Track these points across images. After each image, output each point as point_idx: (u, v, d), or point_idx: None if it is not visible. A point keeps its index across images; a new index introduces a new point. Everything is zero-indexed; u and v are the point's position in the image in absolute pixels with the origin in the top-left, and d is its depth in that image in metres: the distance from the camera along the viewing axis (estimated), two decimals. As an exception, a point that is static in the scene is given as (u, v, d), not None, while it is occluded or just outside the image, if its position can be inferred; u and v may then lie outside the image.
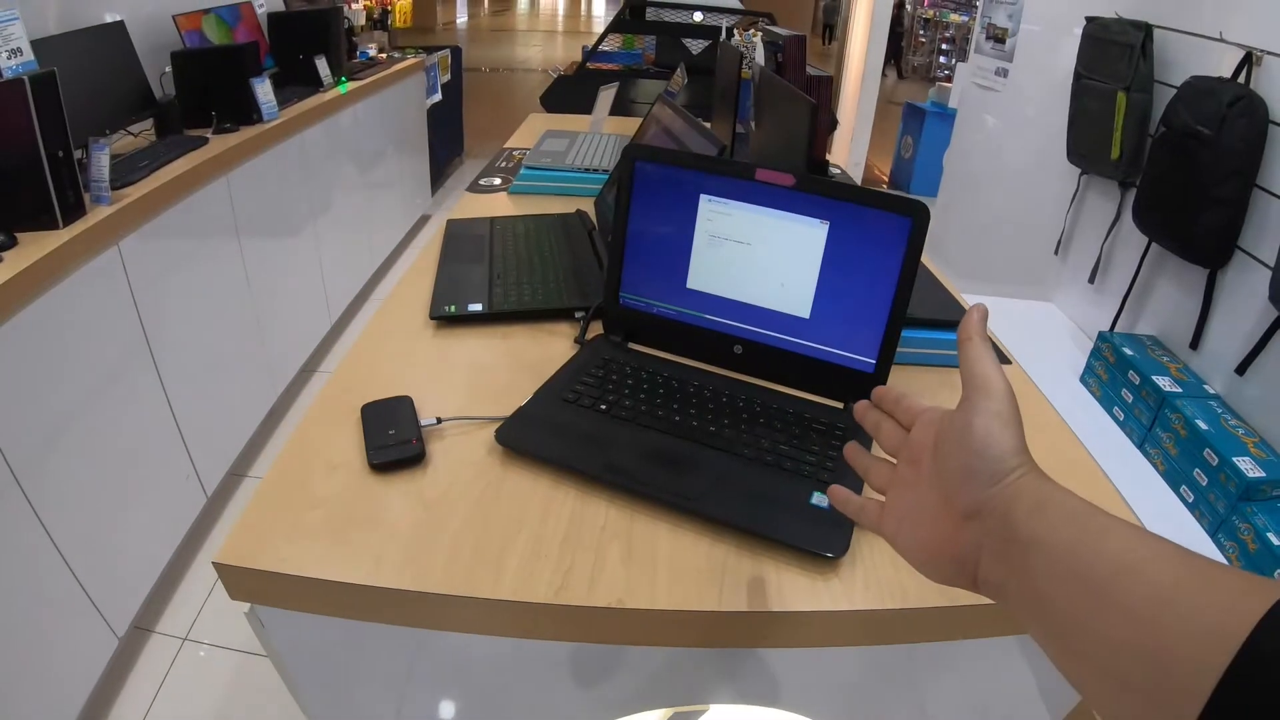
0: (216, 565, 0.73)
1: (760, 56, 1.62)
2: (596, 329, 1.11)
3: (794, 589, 0.74)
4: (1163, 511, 1.72)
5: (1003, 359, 1.22)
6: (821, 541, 0.77)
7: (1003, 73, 3.11)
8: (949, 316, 1.18)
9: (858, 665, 0.89)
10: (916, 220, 0.89)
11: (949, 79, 6.40)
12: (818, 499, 0.81)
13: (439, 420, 0.91)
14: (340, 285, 3.30)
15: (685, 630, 0.74)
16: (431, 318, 1.15)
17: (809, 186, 0.92)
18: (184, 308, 2.08)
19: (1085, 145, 2.39)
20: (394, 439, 0.87)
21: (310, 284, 3.01)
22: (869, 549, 0.80)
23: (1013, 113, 3.09)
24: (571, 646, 0.82)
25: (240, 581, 0.74)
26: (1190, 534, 1.66)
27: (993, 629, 0.79)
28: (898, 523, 0.53)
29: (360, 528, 0.77)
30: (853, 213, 0.91)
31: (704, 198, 0.96)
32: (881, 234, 0.90)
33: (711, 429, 0.90)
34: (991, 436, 0.47)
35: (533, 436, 0.88)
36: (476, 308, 1.15)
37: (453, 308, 1.15)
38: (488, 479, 0.84)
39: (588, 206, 1.57)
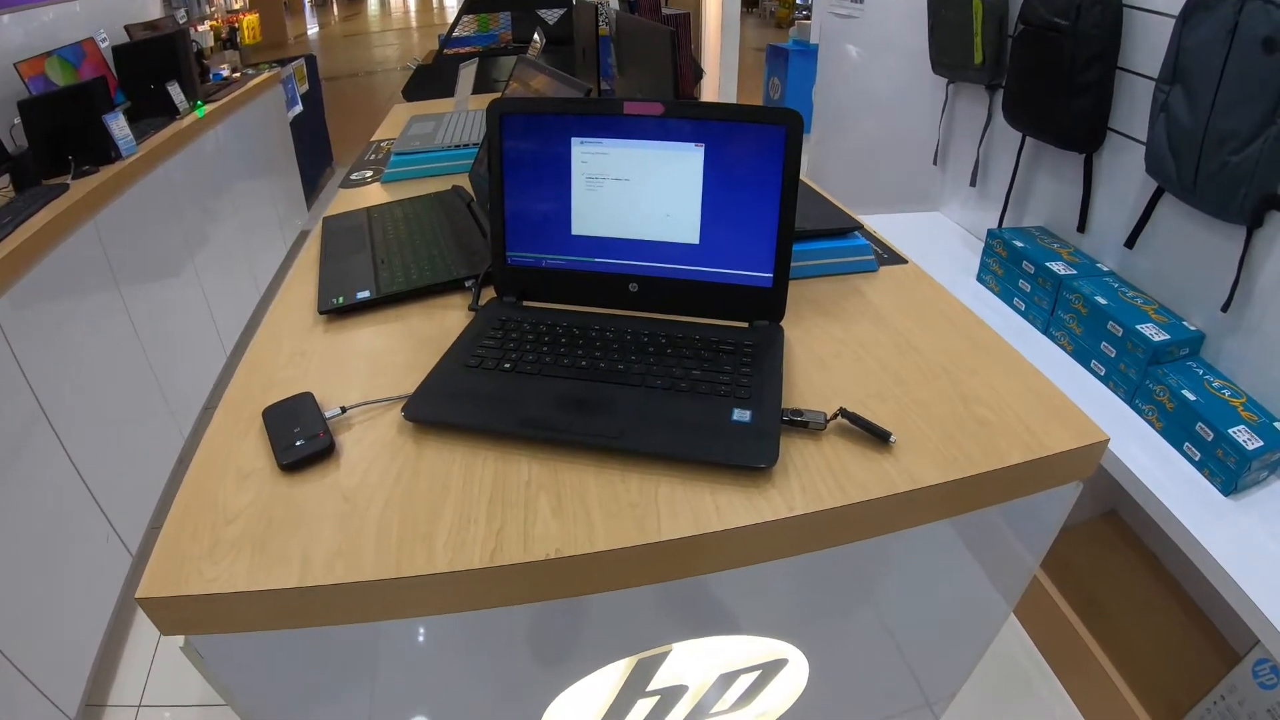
0: (140, 600, 0.69)
1: (614, 2, 1.61)
2: (489, 294, 1.09)
3: (732, 507, 0.74)
4: (1078, 388, 1.77)
5: (898, 259, 1.23)
6: (751, 454, 0.76)
7: (858, -1, 3.15)
8: (840, 225, 1.19)
9: (810, 577, 0.89)
10: (790, 128, 0.89)
11: (807, 18, 6.48)
12: (739, 415, 0.80)
13: (343, 410, 0.88)
14: (229, 317, 3.19)
15: (630, 568, 0.73)
16: (321, 312, 1.10)
17: (678, 111, 0.92)
18: (74, 366, 1.98)
19: (948, 55, 2.43)
20: (300, 436, 0.83)
21: (199, 321, 2.90)
22: (799, 455, 0.80)
23: (873, 37, 3.12)
24: (527, 614, 0.80)
25: (167, 613, 0.70)
26: (1107, 405, 1.73)
27: (929, 514, 0.80)
28: None
29: (281, 532, 0.74)
30: (725, 131, 0.91)
31: (575, 141, 0.95)
32: (757, 147, 0.90)
33: (620, 367, 0.88)
34: None
35: (441, 407, 0.86)
36: (365, 294, 1.12)
37: (340, 299, 1.11)
38: (404, 457, 0.82)
39: (463, 182, 1.53)
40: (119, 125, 2.45)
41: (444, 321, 1.08)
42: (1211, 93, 1.49)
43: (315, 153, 4.98)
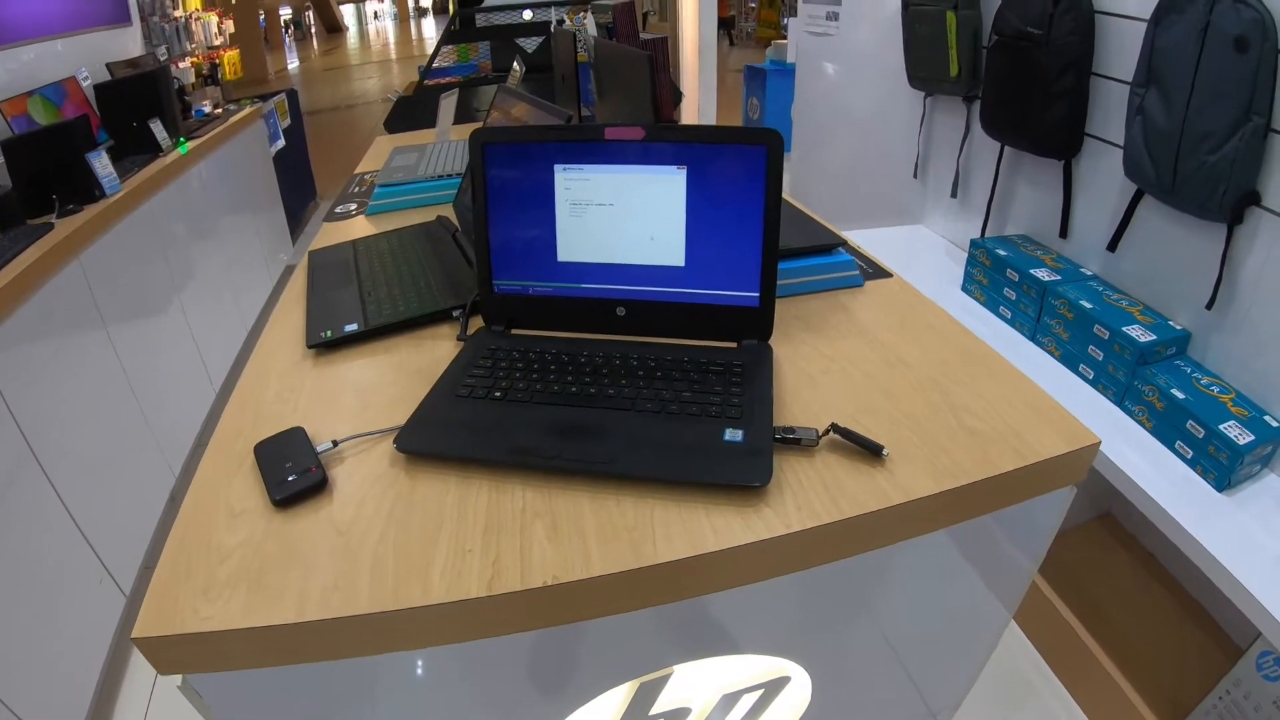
0: (135, 640, 0.68)
1: (592, 28, 1.61)
2: (477, 323, 1.09)
3: (728, 526, 0.74)
4: (1067, 392, 1.78)
5: (883, 273, 1.24)
6: (744, 473, 0.76)
7: (833, 16, 3.16)
8: (823, 241, 1.20)
9: (808, 593, 0.89)
10: (771, 148, 0.90)
11: (783, 38, 6.53)
12: (730, 434, 0.81)
13: (335, 443, 0.87)
14: (217, 354, 3.17)
15: (628, 592, 0.72)
16: (309, 347, 1.10)
17: (659, 135, 0.92)
18: (62, 406, 1.97)
19: (924, 69, 2.45)
20: (292, 471, 0.83)
21: (186, 359, 2.89)
22: (793, 472, 0.80)
23: (850, 53, 3.14)
24: (527, 642, 0.79)
25: (164, 652, 0.69)
26: (1097, 408, 1.74)
27: (924, 525, 0.80)
28: None
29: (276, 568, 0.73)
30: (706, 153, 0.92)
31: (558, 168, 0.95)
32: (739, 168, 0.91)
33: (610, 392, 0.88)
34: None
35: (433, 438, 0.85)
36: (353, 327, 1.11)
37: (329, 333, 1.11)
38: (397, 490, 0.81)
39: (447, 212, 1.53)
40: (102, 163, 2.45)
41: (433, 352, 1.08)
42: (1186, 93, 1.51)
43: (299, 187, 4.98)
